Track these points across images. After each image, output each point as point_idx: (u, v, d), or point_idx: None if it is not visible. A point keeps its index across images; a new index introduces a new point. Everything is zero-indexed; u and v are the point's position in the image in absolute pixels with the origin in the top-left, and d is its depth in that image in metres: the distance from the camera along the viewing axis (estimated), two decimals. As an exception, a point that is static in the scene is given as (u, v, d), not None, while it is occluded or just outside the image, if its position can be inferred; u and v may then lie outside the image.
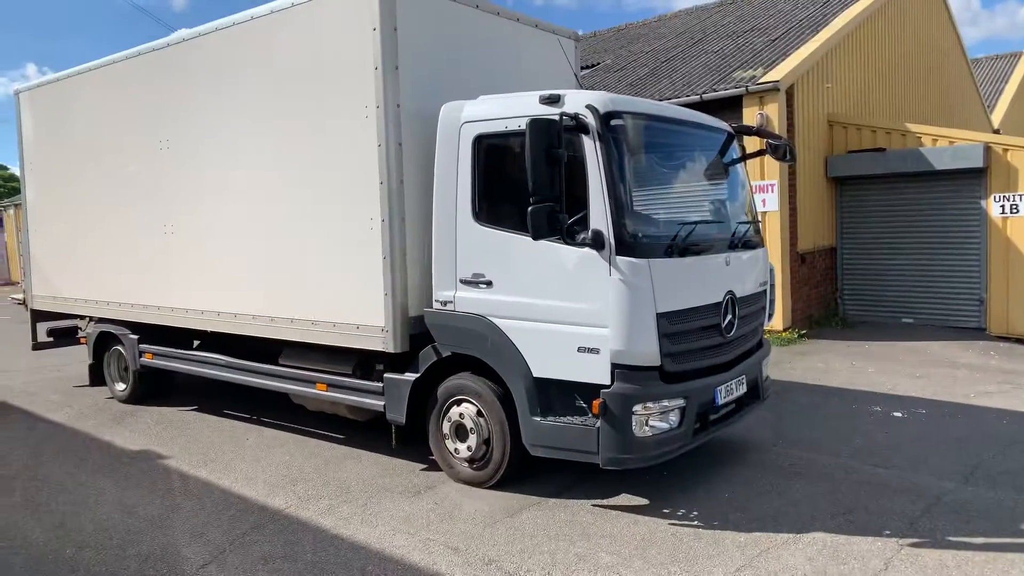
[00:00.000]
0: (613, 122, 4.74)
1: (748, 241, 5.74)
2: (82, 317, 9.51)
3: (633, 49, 17.63)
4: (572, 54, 7.37)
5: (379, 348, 5.67)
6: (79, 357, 10.13)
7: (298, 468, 5.97)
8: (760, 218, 6.30)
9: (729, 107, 11.02)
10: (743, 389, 5.52)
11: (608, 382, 4.67)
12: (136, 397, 8.43)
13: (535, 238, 4.57)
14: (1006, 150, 10.54)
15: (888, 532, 4.48)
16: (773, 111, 10.80)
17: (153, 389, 8.48)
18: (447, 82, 5.80)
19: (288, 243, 6.25)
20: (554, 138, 4.48)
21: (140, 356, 8.09)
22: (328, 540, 4.58)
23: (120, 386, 8.61)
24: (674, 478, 5.42)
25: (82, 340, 9.18)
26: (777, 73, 11.01)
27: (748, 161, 6.23)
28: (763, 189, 10.83)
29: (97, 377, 8.88)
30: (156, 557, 4.43)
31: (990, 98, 24.68)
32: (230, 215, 6.72)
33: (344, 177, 5.78)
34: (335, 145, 5.83)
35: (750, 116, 10.94)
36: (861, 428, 6.64)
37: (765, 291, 6.02)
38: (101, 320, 8.69)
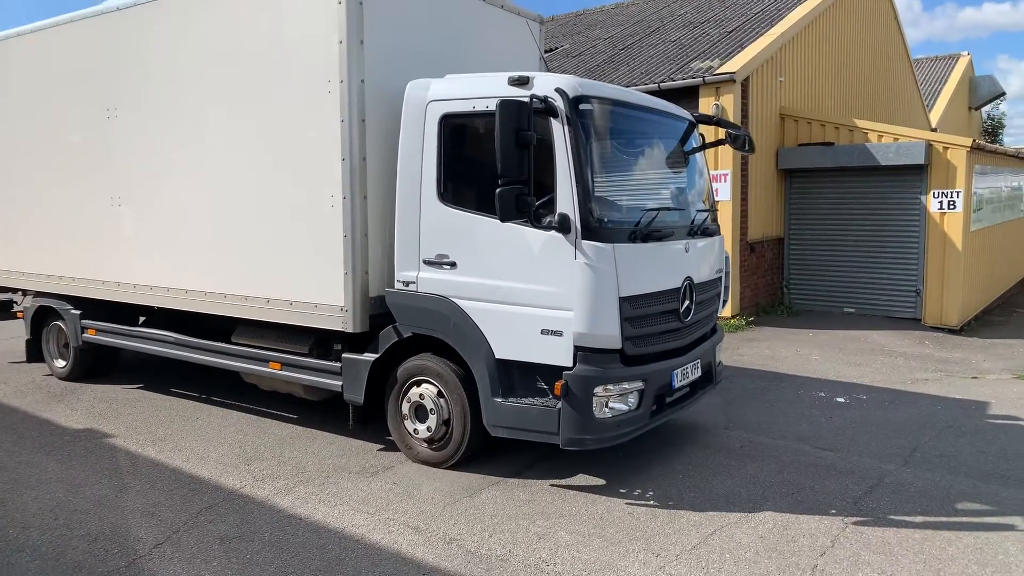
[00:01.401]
0: (582, 106, 4.76)
1: (706, 229, 5.84)
2: (18, 291, 9.13)
3: (591, 35, 17.68)
4: (537, 36, 7.37)
5: (338, 328, 5.60)
6: (13, 332, 9.75)
7: (252, 447, 5.88)
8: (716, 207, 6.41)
9: (686, 96, 11.17)
10: (698, 373, 5.65)
11: (570, 364, 4.72)
12: (77, 374, 8.13)
13: (502, 220, 4.56)
14: (946, 148, 10.97)
15: (834, 511, 4.67)
16: (728, 102, 11.00)
17: (95, 366, 8.20)
18: (412, 59, 5.73)
19: (244, 219, 6.10)
20: (524, 120, 4.47)
21: (82, 332, 7.80)
22: (285, 520, 4.53)
23: (60, 363, 8.29)
24: (630, 459, 5.53)
25: (19, 315, 8.79)
26: (733, 65, 11.20)
27: (705, 150, 6.33)
28: (716, 179, 11.01)
29: (35, 353, 8.52)
30: (105, 537, 4.31)
31: (929, 98, 25.62)
32: (183, 188, 6.52)
33: (304, 153, 5.66)
34: (295, 119, 5.70)
35: (706, 106, 11.12)
36: (807, 413, 6.87)
37: (720, 278, 6.15)
38: (40, 294, 8.35)
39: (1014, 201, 15.42)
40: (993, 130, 35.43)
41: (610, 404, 4.77)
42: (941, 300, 11.05)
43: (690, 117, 6.14)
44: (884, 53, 18.18)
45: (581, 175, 4.65)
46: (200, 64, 6.30)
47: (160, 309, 7.22)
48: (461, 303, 5.11)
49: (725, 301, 6.37)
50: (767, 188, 12.13)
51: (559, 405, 4.75)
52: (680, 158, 5.96)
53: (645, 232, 4.97)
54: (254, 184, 6.00)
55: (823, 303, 12.31)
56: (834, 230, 12.16)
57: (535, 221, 4.63)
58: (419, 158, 5.27)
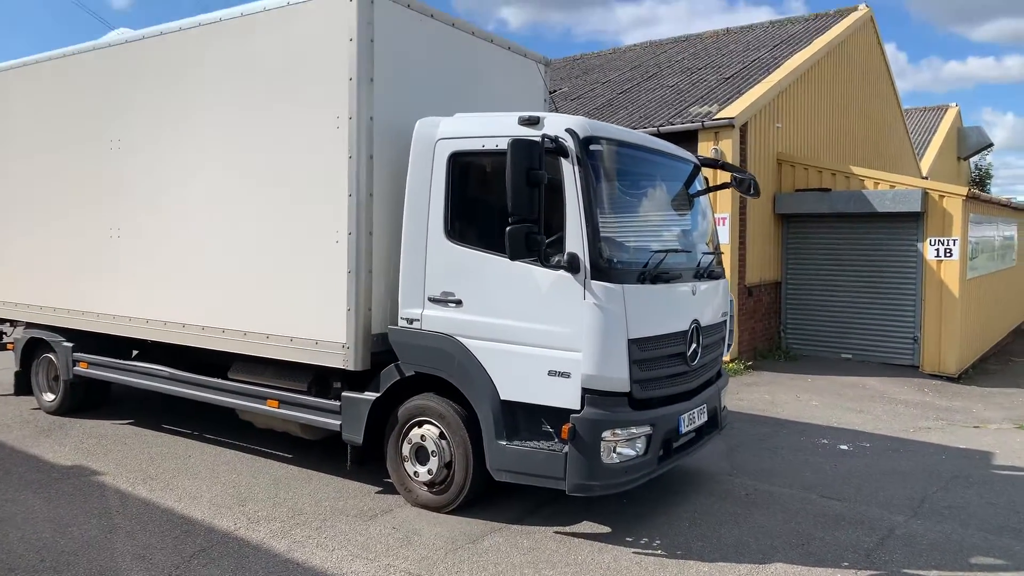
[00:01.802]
0: (592, 147, 4.76)
1: (712, 271, 5.81)
2: (6, 321, 8.98)
3: (589, 79, 17.93)
4: (543, 78, 7.44)
5: (339, 365, 5.50)
6: (5, 363, 9.57)
7: (246, 487, 5.71)
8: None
9: (685, 140, 11.24)
10: (704, 418, 5.56)
11: (578, 407, 4.62)
12: (65, 408, 7.95)
13: (512, 258, 4.52)
14: (942, 196, 11.07)
15: (846, 564, 4.55)
16: (727, 147, 11.10)
17: (85, 401, 8.02)
18: (420, 97, 5.76)
19: (245, 254, 6.03)
20: (535, 159, 4.45)
21: (74, 365, 7.64)
22: (281, 564, 4.37)
23: (48, 396, 8.11)
24: (634, 506, 5.40)
25: (9, 346, 8.63)
26: (732, 110, 11.33)
27: (709, 193, 6.35)
28: (715, 222, 11.05)
29: (23, 386, 8.34)
30: (94, 581, 4.13)
31: (919, 148, 26.03)
32: (184, 222, 6.44)
33: (310, 188, 5.62)
34: (302, 155, 5.67)
35: (705, 150, 11.22)
36: (811, 460, 6.77)
37: (725, 321, 6.11)
38: (31, 325, 8.20)
39: (1006, 250, 15.57)
40: (981, 180, 36.00)
41: (618, 449, 4.66)
42: (939, 347, 11.04)
43: (695, 160, 6.16)
44: (877, 102, 18.51)
45: (591, 215, 4.62)
46: (206, 98, 6.28)
47: (154, 343, 7.09)
48: (466, 342, 5.03)
49: (729, 345, 6.32)
50: (764, 232, 12.18)
51: (565, 449, 4.64)
52: (685, 200, 5.96)
53: (654, 273, 4.93)
54: (257, 219, 5.94)
55: (821, 348, 12.27)
56: (831, 275, 12.19)
57: (544, 260, 4.59)
58: (427, 195, 5.24)
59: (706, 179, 6.32)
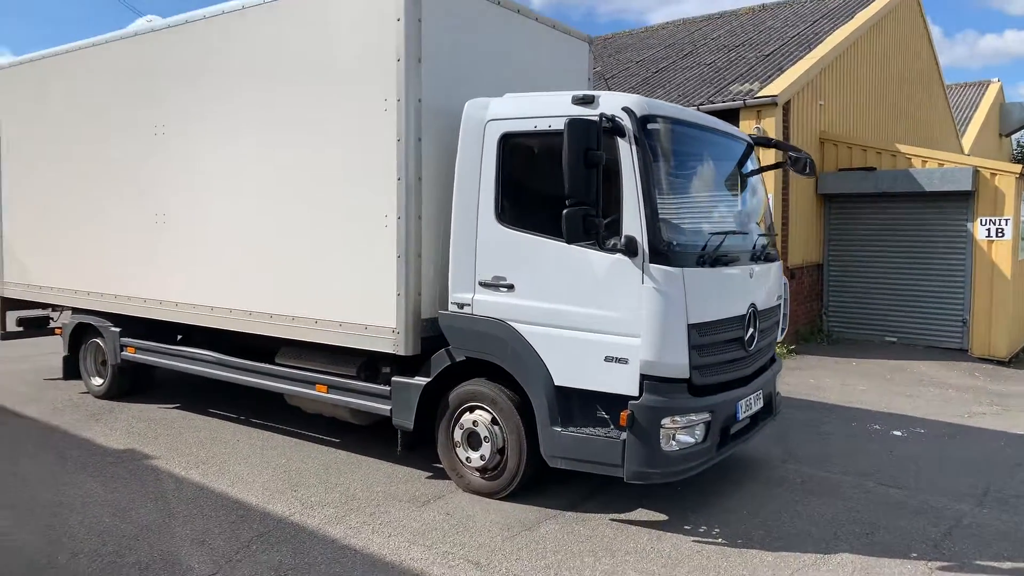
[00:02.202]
0: (649, 126, 4.62)
1: (768, 254, 5.67)
2: (56, 307, 9.10)
3: (622, 58, 17.64)
4: (587, 58, 7.29)
5: (389, 350, 5.45)
6: (46, 348, 9.74)
7: (297, 472, 5.72)
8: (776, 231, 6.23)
9: (726, 119, 10.98)
10: (760, 404, 5.45)
11: (636, 393, 4.53)
12: (113, 393, 8.04)
13: (568, 241, 4.42)
14: (994, 174, 10.72)
15: (915, 555, 4.42)
16: (769, 125, 10.84)
17: (132, 385, 8.11)
18: (466, 78, 5.65)
19: (293, 238, 5.99)
20: (592, 139, 4.34)
21: (121, 350, 7.72)
22: (340, 551, 4.36)
23: (97, 381, 8.21)
24: (690, 493, 5.30)
25: (57, 331, 8.74)
26: (775, 88, 11.06)
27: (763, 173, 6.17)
28: (768, 202, 10.82)
29: (71, 370, 8.46)
30: (157, 566, 4.15)
31: (961, 124, 25.32)
32: (230, 206, 6.43)
33: (358, 171, 5.56)
34: (349, 137, 5.60)
35: (747, 129, 10.93)
36: (865, 447, 6.62)
37: (780, 305, 5.96)
38: (79, 311, 8.29)
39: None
40: (1023, 157, 35.00)
41: (677, 436, 4.57)
42: (989, 331, 10.75)
43: (748, 138, 5.99)
44: (919, 78, 17.99)
45: (649, 197, 4.49)
46: (252, 82, 6.23)
47: (197, 328, 7.12)
48: (519, 327, 4.95)
49: (784, 329, 6.17)
50: (806, 213, 11.92)
51: (623, 436, 4.56)
52: (740, 180, 5.80)
53: (713, 256, 4.81)
54: (304, 203, 5.89)
55: (864, 331, 12.02)
56: (875, 257, 11.90)
57: (602, 243, 4.48)
58: (476, 178, 5.15)
59: (757, 158, 6.15)
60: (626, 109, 4.58)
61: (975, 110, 27.73)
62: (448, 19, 5.52)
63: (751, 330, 5.22)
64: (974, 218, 10.85)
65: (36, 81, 8.42)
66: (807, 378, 9.45)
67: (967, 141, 24.25)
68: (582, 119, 4.37)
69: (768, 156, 6.54)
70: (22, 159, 8.66)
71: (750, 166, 5.92)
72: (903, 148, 11.73)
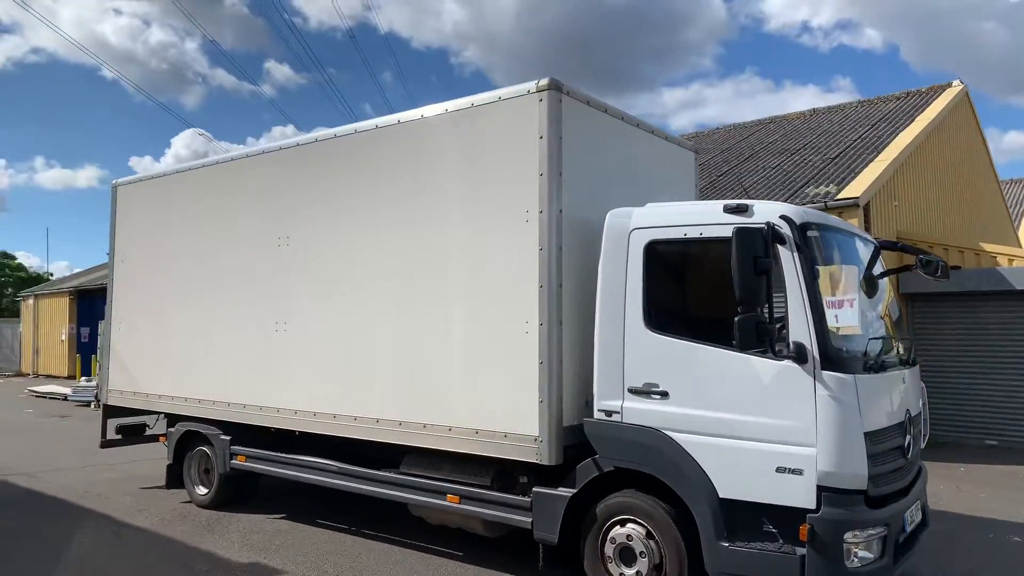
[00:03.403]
0: (809, 233, 4.68)
1: (912, 358, 5.58)
2: (155, 414, 9.20)
3: (681, 163, 18.06)
4: (694, 167, 7.50)
5: (532, 459, 5.37)
6: (134, 456, 9.78)
7: (433, 589, 5.54)
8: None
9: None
10: (919, 515, 5.22)
11: (813, 506, 4.37)
12: (218, 502, 7.99)
13: (741, 349, 4.41)
14: (1087, 271, 10.57)
15: None
16: (852, 227, 10.89)
17: (237, 494, 8.07)
18: (597, 189, 5.84)
19: (425, 346, 6.05)
20: (760, 247, 4.40)
21: (231, 458, 7.72)
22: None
23: (201, 490, 8.18)
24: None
25: (161, 439, 8.80)
26: (854, 190, 11.21)
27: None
28: (841, 304, 10.74)
29: (174, 479, 8.46)
30: None
31: (1015, 219, 25.26)
32: (357, 314, 6.54)
33: (497, 280, 5.66)
34: (488, 248, 5.74)
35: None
36: (1009, 559, 6.25)
37: (922, 411, 5.80)
38: (184, 419, 8.35)
39: None
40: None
41: (858, 552, 4.36)
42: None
43: (875, 241, 6.02)
44: (977, 177, 18.14)
45: (816, 303, 4.50)
46: (381, 195, 6.47)
47: (302, 434, 7.11)
48: (675, 436, 4.86)
49: (926, 436, 5.97)
50: (892, 312, 11.76)
51: (800, 552, 4.36)
52: (875, 284, 5.75)
53: (876, 362, 4.74)
54: (440, 310, 5.98)
55: (962, 434, 11.60)
56: (966, 356, 11.64)
57: (774, 351, 4.45)
58: (623, 284, 5.20)
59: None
60: (784, 217, 4.66)
61: (1023, 205, 27.76)
62: (582, 135, 5.75)
63: (908, 437, 5.07)
64: (1070, 315, 10.62)
65: (158, 196, 8.86)
66: (918, 484, 9.04)
67: (1023, 237, 24.13)
68: (749, 227, 4.45)
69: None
70: (138, 270, 8.99)
71: (879, 269, 5.92)
72: (987, 247, 11.69)
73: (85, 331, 30.35)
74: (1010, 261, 11.29)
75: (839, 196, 11.17)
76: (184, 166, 8.61)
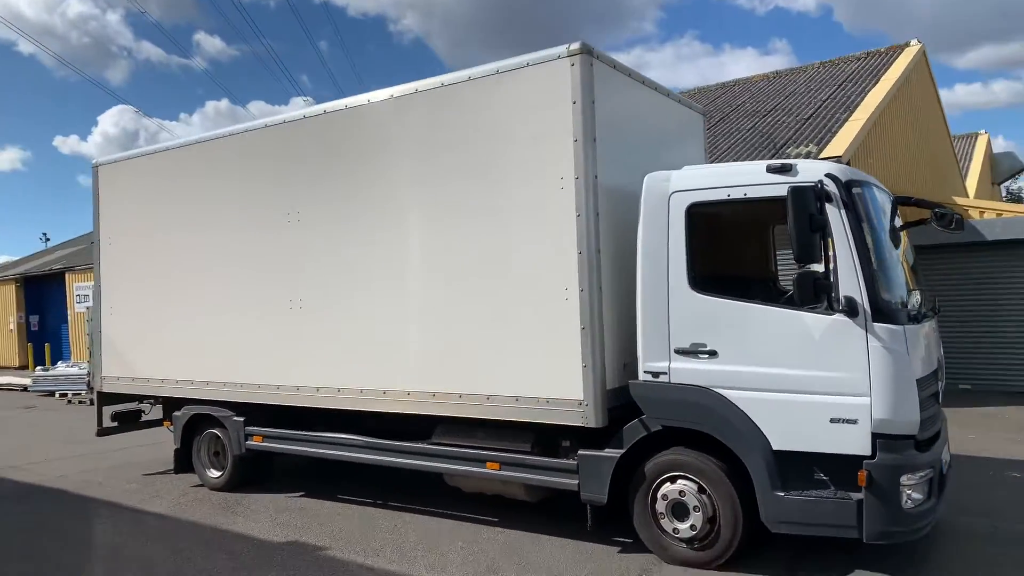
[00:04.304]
0: (854, 190, 4.80)
1: (935, 308, 5.80)
2: (149, 399, 8.97)
3: (652, 127, 18.17)
4: (702, 130, 7.56)
5: (577, 423, 5.44)
6: (120, 443, 9.63)
7: (484, 555, 5.59)
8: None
9: (791, 181, 11.35)
10: (949, 456, 5.47)
11: (869, 453, 4.55)
12: (233, 484, 7.86)
13: (801, 304, 4.53)
14: (1054, 221, 11.10)
15: None
16: (835, 185, 11.17)
17: (252, 475, 7.95)
18: (627, 153, 5.85)
19: (458, 316, 6.02)
20: (813, 205, 4.50)
21: (247, 439, 7.59)
22: (592, 633, 4.25)
23: (213, 473, 8.03)
24: (895, 553, 5.25)
25: (166, 424, 8.58)
26: (836, 148, 11.47)
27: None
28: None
29: (184, 464, 8.28)
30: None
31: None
32: (384, 287, 6.44)
33: (533, 247, 5.65)
34: (522, 215, 5.71)
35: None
36: (1020, 496, 6.62)
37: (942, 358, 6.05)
38: (189, 402, 8.15)
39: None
40: (1015, 204, 36.15)
41: (912, 494, 4.57)
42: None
43: (892, 197, 6.19)
44: (933, 133, 18.74)
45: (866, 257, 4.64)
46: (402, 166, 6.35)
47: (313, 411, 7.04)
48: (726, 393, 4.98)
49: (943, 383, 6.24)
50: (870, 267, 12.16)
51: (857, 497, 4.55)
52: (898, 238, 5.95)
53: (917, 312, 4.92)
54: (473, 280, 5.94)
55: (937, 380, 12.12)
56: (944, 306, 12.08)
57: (832, 305, 4.58)
58: (664, 247, 5.26)
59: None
60: (830, 175, 4.77)
61: (969, 160, 28.82)
62: (610, 100, 5.74)
63: (940, 383, 5.30)
64: (1039, 264, 11.16)
65: (145, 174, 8.51)
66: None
67: (970, 189, 25.11)
68: (804, 186, 4.55)
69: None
70: (129, 253, 8.66)
71: (898, 223, 6.10)
72: (959, 200, 12.16)
73: (35, 319, 29.22)
74: (981, 214, 11.78)
75: (823, 155, 11.41)
76: (178, 142, 8.27)
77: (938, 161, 18.97)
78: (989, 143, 31.52)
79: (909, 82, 16.09)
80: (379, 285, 6.50)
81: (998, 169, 31.98)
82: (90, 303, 25.06)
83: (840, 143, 11.69)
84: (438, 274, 6.16)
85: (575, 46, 5.48)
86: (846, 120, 13.00)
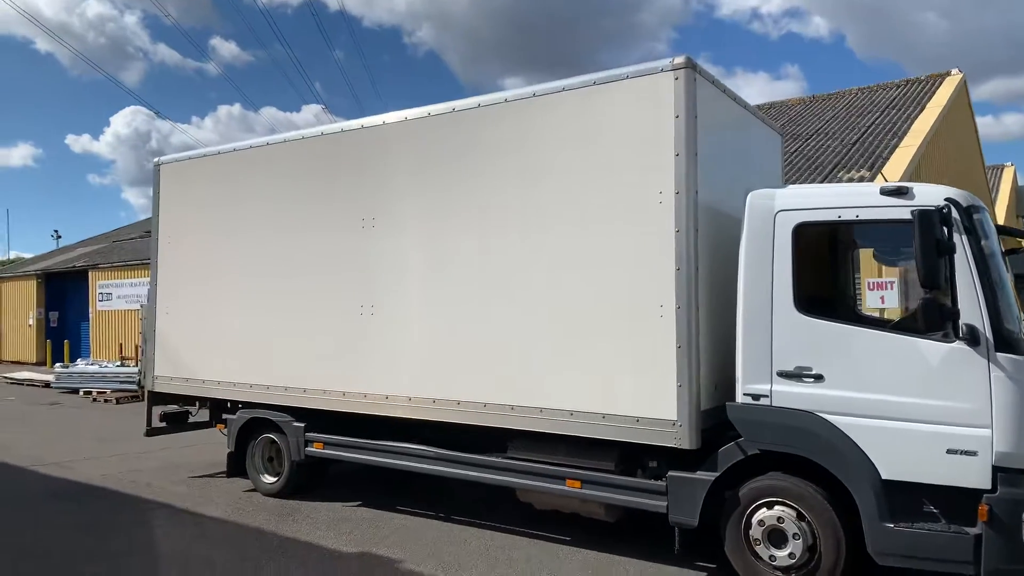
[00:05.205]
0: (975, 216, 4.70)
1: (1033, 338, 5.67)
2: (196, 400, 8.87)
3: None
4: (779, 149, 7.49)
5: (670, 444, 5.31)
6: (160, 444, 9.60)
7: (567, 574, 5.45)
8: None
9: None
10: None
11: (989, 486, 4.41)
12: (288, 491, 7.74)
13: (926, 331, 4.41)
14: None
15: None
16: (890, 210, 11.08)
17: (307, 482, 7.83)
18: (724, 171, 5.78)
19: (544, 329, 5.89)
20: (940, 229, 4.40)
21: (306, 445, 7.47)
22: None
23: (268, 478, 7.90)
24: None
25: (219, 427, 8.46)
26: (890, 173, 11.38)
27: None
28: (882, 286, 10.93)
29: (237, 468, 8.17)
30: None
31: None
32: (465, 298, 6.32)
33: (628, 262, 5.54)
34: (615, 229, 5.60)
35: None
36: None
37: None
38: (248, 405, 8.05)
39: None
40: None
41: (1031, 530, 4.43)
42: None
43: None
44: (973, 163, 18.68)
45: (989, 285, 4.53)
46: (497, 174, 6.21)
47: (373, 419, 6.91)
48: (833, 419, 4.85)
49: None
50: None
51: (974, 531, 4.41)
52: (1006, 265, 5.85)
53: (1036, 342, 4.80)
54: (561, 292, 5.82)
55: None
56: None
57: (957, 333, 4.46)
58: (768, 267, 5.16)
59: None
60: (950, 200, 4.66)
61: (997, 191, 28.75)
62: (709, 116, 5.65)
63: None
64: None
65: (210, 175, 8.45)
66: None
67: (998, 221, 25.02)
68: (931, 210, 4.44)
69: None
70: (190, 254, 8.57)
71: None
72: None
73: (54, 316, 29.20)
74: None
75: (875, 181, 11.32)
76: (246, 144, 8.17)
77: (976, 191, 18.87)
78: (1015, 175, 31.46)
79: (953, 110, 16.04)
80: (460, 295, 6.37)
81: (1022, 202, 31.92)
82: (112, 302, 25.14)
83: (894, 168, 11.60)
84: (523, 287, 6.05)
85: (679, 60, 5.41)
86: (895, 146, 12.94)
